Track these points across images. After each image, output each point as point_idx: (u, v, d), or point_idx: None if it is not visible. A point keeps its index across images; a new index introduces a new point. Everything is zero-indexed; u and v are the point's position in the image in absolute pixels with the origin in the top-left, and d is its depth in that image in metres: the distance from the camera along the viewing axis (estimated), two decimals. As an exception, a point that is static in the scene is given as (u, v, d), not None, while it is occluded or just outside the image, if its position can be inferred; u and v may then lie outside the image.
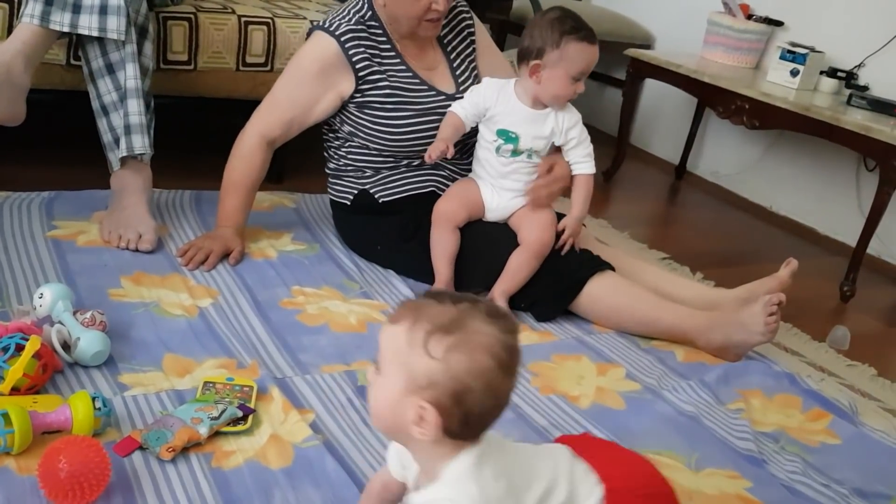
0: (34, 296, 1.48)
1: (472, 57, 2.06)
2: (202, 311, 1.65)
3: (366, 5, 1.92)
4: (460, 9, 2.05)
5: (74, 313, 1.44)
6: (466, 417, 0.86)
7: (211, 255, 1.83)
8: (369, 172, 1.98)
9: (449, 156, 1.80)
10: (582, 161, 1.90)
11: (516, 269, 1.83)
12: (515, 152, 1.85)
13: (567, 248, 1.86)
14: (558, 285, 1.85)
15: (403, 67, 1.93)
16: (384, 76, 1.90)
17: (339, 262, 1.99)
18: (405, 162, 1.96)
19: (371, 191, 1.97)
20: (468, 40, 2.06)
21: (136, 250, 1.83)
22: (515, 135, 1.84)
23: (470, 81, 2.00)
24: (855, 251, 2.46)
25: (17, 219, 1.90)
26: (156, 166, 1.99)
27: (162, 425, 1.24)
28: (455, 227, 1.87)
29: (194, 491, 1.17)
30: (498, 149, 1.85)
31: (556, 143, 1.88)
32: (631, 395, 1.64)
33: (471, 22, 2.07)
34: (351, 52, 1.87)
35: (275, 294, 1.79)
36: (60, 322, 1.41)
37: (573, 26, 1.78)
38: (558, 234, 1.86)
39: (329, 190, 2.07)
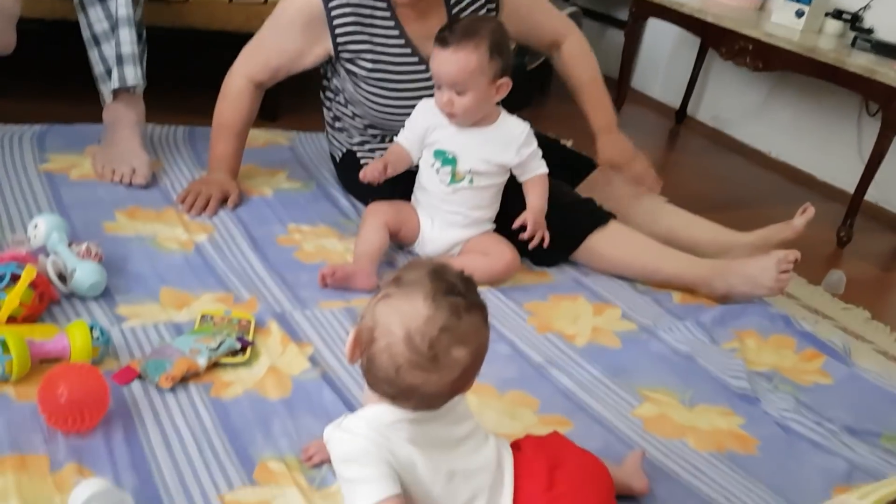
0: (28, 226, 1.47)
1: None
2: (198, 246, 1.64)
3: None
4: None
5: (69, 245, 1.43)
6: (369, 365, 0.93)
7: (211, 201, 1.79)
8: (357, 138, 1.92)
9: (385, 177, 1.63)
10: (538, 165, 1.71)
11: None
12: (454, 178, 1.66)
13: (536, 242, 1.68)
14: (559, 238, 1.82)
15: (396, 34, 1.77)
16: (370, 46, 1.76)
17: (334, 201, 1.97)
18: (389, 138, 1.85)
19: (357, 154, 1.91)
20: (485, 8, 1.86)
21: (130, 185, 1.81)
22: (453, 156, 1.66)
23: None
24: (853, 197, 2.46)
25: (8, 152, 1.87)
26: (148, 101, 1.96)
27: (160, 355, 1.24)
28: (385, 224, 1.68)
29: (194, 419, 1.18)
30: (438, 173, 1.67)
31: (508, 163, 1.68)
32: (626, 334, 1.64)
33: None
34: (333, 15, 1.74)
35: (271, 231, 1.77)
36: (55, 253, 1.40)
37: (440, 29, 1.60)
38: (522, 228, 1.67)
39: (327, 137, 2.04)
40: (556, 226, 1.69)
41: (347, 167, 1.93)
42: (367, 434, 0.93)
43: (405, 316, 0.90)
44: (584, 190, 1.95)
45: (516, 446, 1.06)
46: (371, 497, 0.90)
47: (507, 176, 1.72)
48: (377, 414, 0.95)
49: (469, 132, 1.66)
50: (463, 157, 1.66)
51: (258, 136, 2.23)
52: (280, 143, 2.26)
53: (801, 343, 1.72)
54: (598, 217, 1.83)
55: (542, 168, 1.71)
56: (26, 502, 0.98)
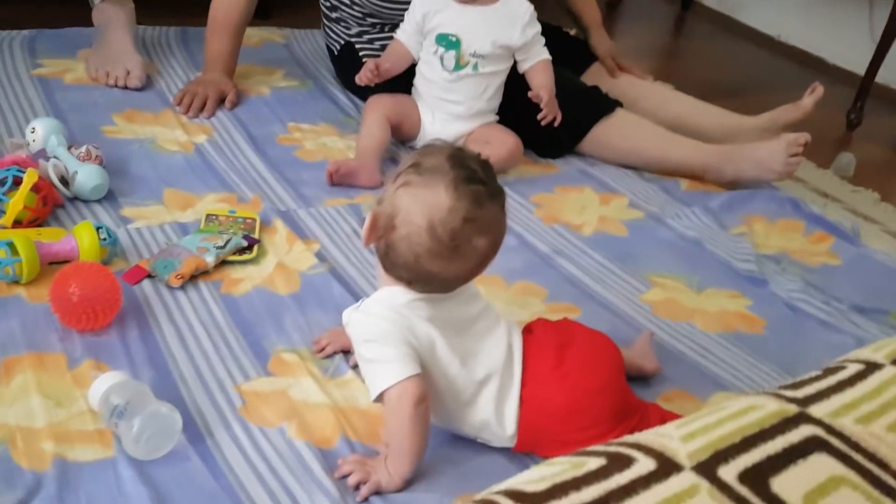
0: (26, 131, 1.45)
1: None
2: (198, 147, 1.63)
3: None
4: None
5: (69, 148, 1.42)
6: (388, 251, 0.92)
7: (208, 101, 1.75)
8: (354, 29, 1.86)
9: (379, 79, 1.59)
10: (541, 51, 1.66)
11: None
12: (458, 64, 1.61)
13: (549, 119, 1.63)
14: (565, 127, 1.79)
15: None
16: None
17: (334, 99, 1.93)
18: (389, 27, 1.80)
19: (356, 46, 1.85)
20: None
21: (126, 87, 1.78)
22: (456, 38, 1.59)
23: None
24: (864, 79, 2.41)
25: (-1, 58, 1.83)
26: (137, 1, 1.90)
27: (168, 254, 1.25)
28: (387, 118, 1.63)
29: (206, 316, 1.19)
30: (442, 60, 1.61)
31: (513, 44, 1.62)
32: (633, 222, 1.64)
33: None
34: None
35: (270, 130, 1.75)
36: (55, 157, 1.39)
37: None
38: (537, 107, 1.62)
39: (323, 29, 1.98)
40: (563, 115, 1.66)
41: (346, 60, 1.88)
42: (386, 315, 0.94)
43: (427, 205, 0.89)
44: (587, 80, 1.91)
45: (528, 329, 1.07)
46: (392, 377, 0.92)
47: (511, 63, 1.68)
48: (393, 294, 0.96)
49: (472, 12, 1.61)
50: (467, 38, 1.60)
51: (252, 34, 2.16)
52: (275, 41, 2.20)
53: (810, 226, 1.71)
54: (604, 105, 1.80)
55: (545, 54, 1.67)
56: (47, 397, 1.00)
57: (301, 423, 1.02)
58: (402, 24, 1.66)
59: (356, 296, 1.27)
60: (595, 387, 1.00)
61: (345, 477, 0.95)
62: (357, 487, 0.94)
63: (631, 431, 1.00)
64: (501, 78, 1.69)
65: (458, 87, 1.65)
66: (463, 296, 0.99)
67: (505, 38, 1.62)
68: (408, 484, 0.96)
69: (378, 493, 0.94)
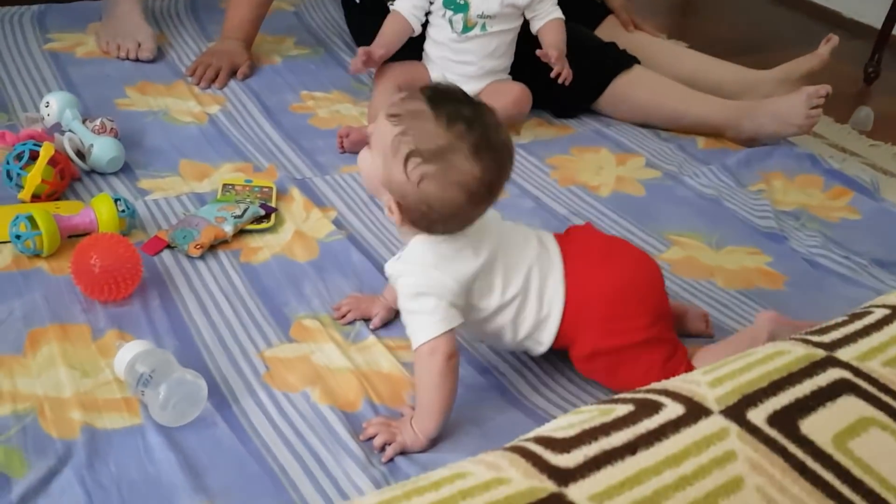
0: (40, 105, 1.45)
1: None
2: (212, 118, 1.63)
3: None
4: None
5: (83, 122, 1.42)
6: (430, 225, 0.94)
7: (220, 73, 1.74)
8: None
9: (372, 65, 1.58)
10: (551, 10, 1.63)
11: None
12: (466, 26, 1.58)
13: (563, 77, 1.60)
14: (581, 84, 1.77)
15: None
16: None
17: (346, 66, 1.92)
18: None
19: None
20: None
21: (137, 60, 1.77)
22: (464, 1, 1.58)
23: None
24: (881, 32, 2.37)
25: (9, 33, 1.83)
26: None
27: (187, 224, 1.25)
28: (397, 86, 1.57)
29: (226, 283, 1.19)
30: (451, 23, 1.59)
31: (522, 2, 1.60)
32: (651, 181, 1.63)
33: None
34: None
35: (283, 99, 1.75)
36: (70, 130, 1.39)
37: None
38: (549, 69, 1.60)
39: None
40: (579, 70, 1.63)
41: (369, 8, 1.82)
42: (431, 262, 0.95)
43: (457, 185, 0.90)
44: (600, 35, 1.89)
45: (567, 232, 1.10)
46: (427, 332, 0.94)
47: (520, 22, 1.65)
48: (424, 240, 0.96)
49: None
50: (475, 1, 1.58)
51: (261, 4, 2.16)
52: (285, 9, 2.18)
53: (829, 181, 1.69)
54: (623, 59, 1.78)
55: (556, 12, 1.64)
56: (73, 367, 1.01)
57: (325, 388, 1.03)
58: None
59: (374, 261, 1.28)
60: (638, 280, 1.04)
61: (370, 439, 0.96)
62: (383, 449, 0.95)
63: (669, 334, 1.05)
64: (511, 36, 1.67)
65: (467, 47, 1.63)
66: (488, 220, 1.01)
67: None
68: (432, 444, 0.96)
69: (403, 453, 0.95)
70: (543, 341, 1.03)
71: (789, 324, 1.10)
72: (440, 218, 0.92)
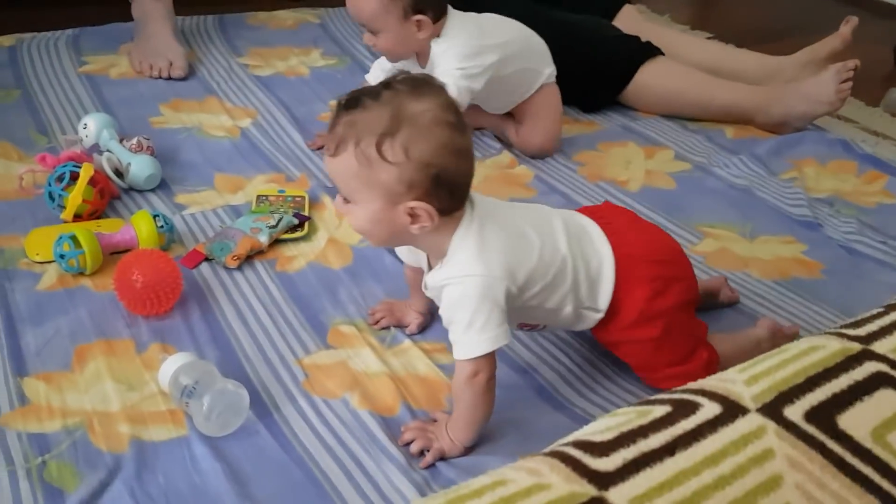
0: (78, 127, 1.49)
1: None
2: (244, 131, 1.65)
3: None
4: None
5: (120, 141, 1.45)
6: (451, 189, 0.90)
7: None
8: None
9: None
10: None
11: None
12: None
13: None
14: (607, 75, 1.77)
15: None
16: None
17: (372, 73, 1.94)
18: None
19: None
20: None
21: (169, 78, 1.81)
22: None
23: None
24: (912, 10, 2.32)
25: (46, 58, 1.88)
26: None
27: (224, 237, 1.27)
28: None
29: (264, 293, 1.22)
30: None
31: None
32: (681, 174, 1.62)
33: None
34: None
35: (312, 109, 1.77)
36: (108, 150, 1.42)
37: None
38: None
39: None
40: (605, 62, 1.63)
41: None
42: (475, 251, 0.92)
43: (431, 122, 0.87)
44: (618, 25, 1.89)
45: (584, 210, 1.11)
46: (473, 349, 0.91)
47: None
48: (463, 234, 0.93)
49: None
50: None
51: (286, 17, 2.20)
52: (310, 22, 2.21)
53: (863, 165, 1.67)
54: (647, 49, 1.78)
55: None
56: (119, 381, 1.04)
57: (363, 393, 1.04)
58: (371, 69, 1.61)
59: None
60: (674, 245, 1.09)
61: (408, 444, 0.97)
62: (422, 454, 0.96)
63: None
64: (497, 85, 1.55)
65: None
66: (501, 204, 1.02)
67: None
68: (470, 448, 0.97)
69: (442, 458, 0.96)
70: (600, 306, 1.01)
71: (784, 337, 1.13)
72: (450, 168, 0.88)
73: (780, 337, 1.12)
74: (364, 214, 0.91)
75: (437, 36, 1.46)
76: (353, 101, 0.89)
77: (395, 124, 0.86)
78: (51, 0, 2.24)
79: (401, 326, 1.16)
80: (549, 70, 1.60)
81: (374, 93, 0.88)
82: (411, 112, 0.86)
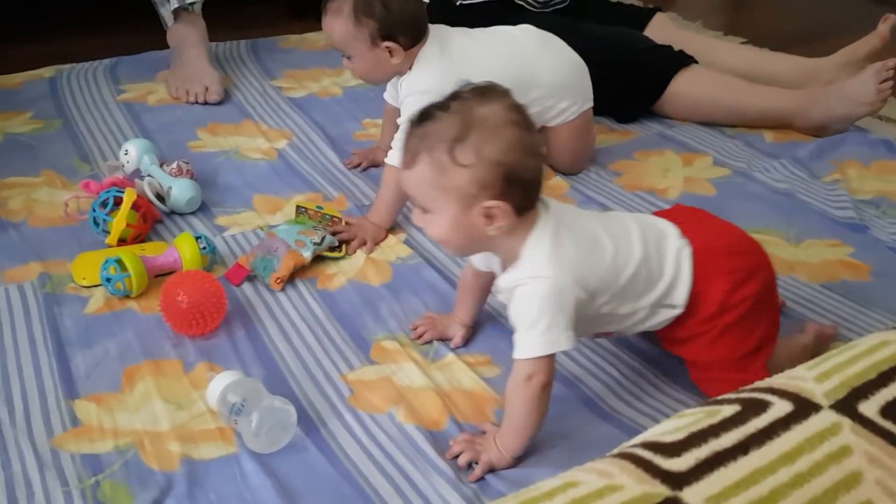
0: (120, 153, 1.51)
1: None
2: (280, 153, 1.67)
3: None
4: None
5: (161, 166, 1.47)
6: (523, 186, 0.91)
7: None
8: None
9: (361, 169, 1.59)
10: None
11: None
12: None
13: None
14: (641, 84, 1.76)
15: None
16: None
17: (404, 91, 1.95)
18: None
19: None
20: None
21: (206, 103, 1.84)
22: None
23: None
24: (949, 8, 2.28)
25: (85, 88, 1.92)
26: (206, 20, 1.96)
27: (267, 251, 1.27)
28: None
29: (306, 311, 1.22)
30: None
31: None
32: (720, 180, 1.60)
33: None
34: None
35: (346, 129, 1.78)
36: (149, 175, 1.44)
37: None
38: None
39: None
40: (638, 73, 1.62)
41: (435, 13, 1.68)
42: (548, 252, 0.93)
43: (500, 123, 0.90)
44: (650, 34, 1.88)
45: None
46: (533, 349, 0.92)
47: None
48: (538, 238, 0.94)
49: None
50: None
51: (317, 39, 2.22)
52: (340, 43, 2.23)
53: (907, 166, 1.64)
54: (680, 58, 1.77)
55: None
56: (168, 401, 1.05)
57: (409, 408, 1.04)
58: (388, 87, 1.54)
59: (446, 279, 1.29)
60: (750, 237, 1.07)
61: (456, 457, 0.96)
62: (470, 466, 0.95)
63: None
64: None
65: None
66: (577, 211, 1.03)
67: None
68: (518, 459, 0.96)
69: (491, 471, 0.95)
70: (678, 301, 1.00)
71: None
72: (520, 165, 0.89)
73: (824, 340, 1.12)
74: (442, 222, 0.92)
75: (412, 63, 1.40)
76: (424, 115, 0.92)
77: (465, 129, 0.88)
78: (87, 30, 2.29)
79: (444, 340, 1.16)
80: (564, 104, 1.51)
81: (442, 105, 0.91)
82: (479, 116, 0.89)
